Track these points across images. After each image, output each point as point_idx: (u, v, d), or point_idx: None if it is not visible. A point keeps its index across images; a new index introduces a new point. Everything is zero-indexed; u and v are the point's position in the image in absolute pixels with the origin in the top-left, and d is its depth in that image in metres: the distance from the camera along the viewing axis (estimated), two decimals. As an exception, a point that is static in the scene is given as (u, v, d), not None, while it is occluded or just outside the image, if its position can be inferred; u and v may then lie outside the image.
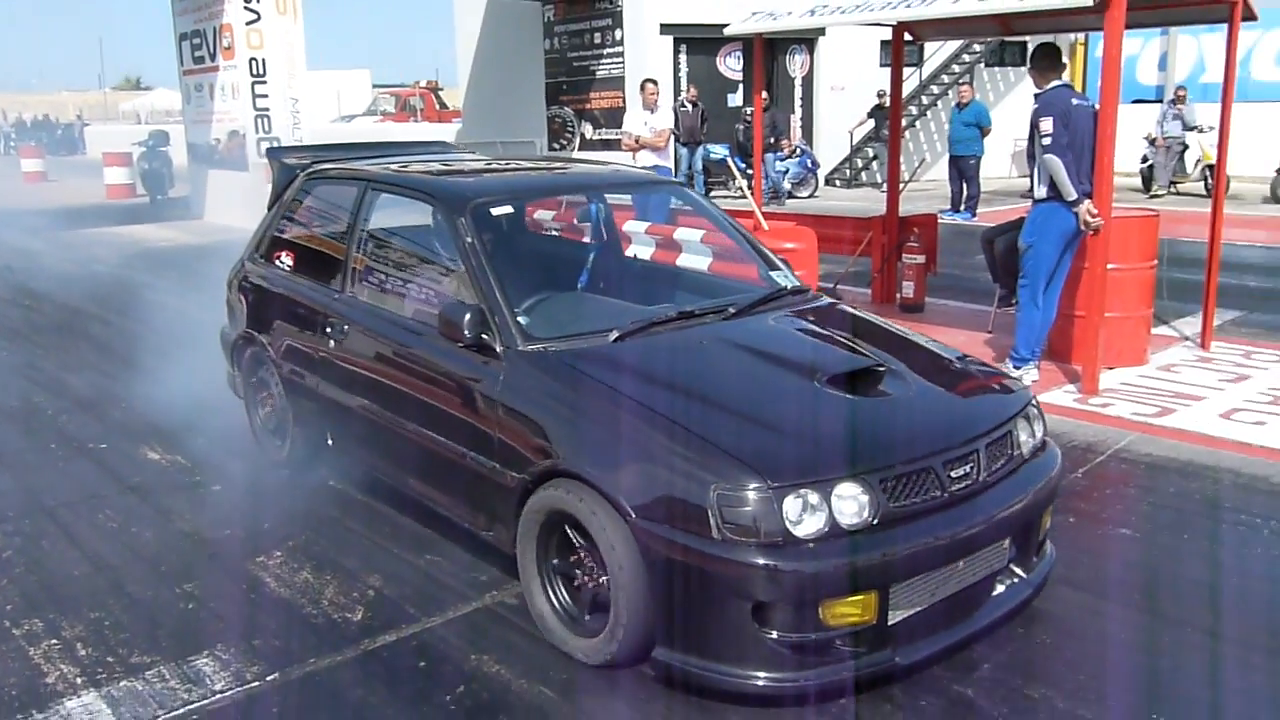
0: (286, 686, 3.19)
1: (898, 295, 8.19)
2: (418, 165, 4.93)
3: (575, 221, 5.30)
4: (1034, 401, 3.58)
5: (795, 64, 19.22)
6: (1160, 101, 17.51)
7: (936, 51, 19.03)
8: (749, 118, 15.39)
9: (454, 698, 3.10)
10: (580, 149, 18.77)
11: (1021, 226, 6.18)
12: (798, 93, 19.49)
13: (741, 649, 2.86)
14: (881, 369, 3.44)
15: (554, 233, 6.61)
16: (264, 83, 14.57)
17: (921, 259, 8.08)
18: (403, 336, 3.99)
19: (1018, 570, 3.33)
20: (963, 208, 14.54)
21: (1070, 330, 6.29)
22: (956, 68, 19.10)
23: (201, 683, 3.20)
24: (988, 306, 7.55)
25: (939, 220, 8.72)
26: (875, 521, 2.86)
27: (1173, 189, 16.02)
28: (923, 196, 15.83)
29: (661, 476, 2.95)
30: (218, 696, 3.13)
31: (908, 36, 8.48)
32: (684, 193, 5.39)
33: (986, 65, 19.94)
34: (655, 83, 10.36)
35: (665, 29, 17.66)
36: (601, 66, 18.36)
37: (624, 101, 18.02)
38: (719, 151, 16.47)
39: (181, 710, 3.06)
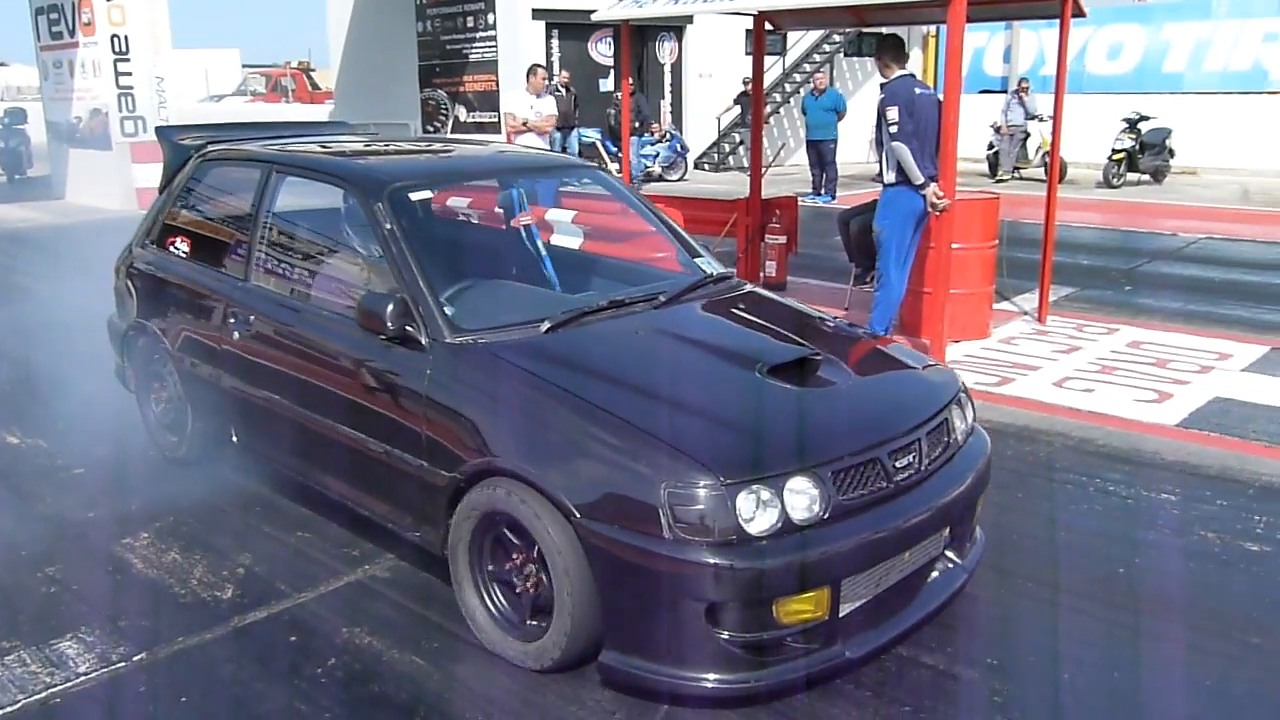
0: (154, 666, 3.20)
1: (761, 274, 8.47)
2: (320, 147, 4.70)
3: (496, 207, 5.05)
4: (964, 387, 3.59)
5: (665, 51, 19.46)
6: (1005, 91, 18.39)
7: (799, 41, 19.54)
8: (619, 102, 15.56)
9: (325, 670, 3.17)
10: (453, 132, 18.67)
11: (875, 209, 6.50)
12: (667, 79, 19.74)
13: (692, 651, 2.79)
14: (819, 357, 3.37)
15: (468, 219, 6.24)
16: (127, 60, 14.06)
17: (783, 239, 8.38)
18: (315, 328, 3.82)
19: (952, 556, 3.33)
20: (822, 190, 15.03)
21: (920, 306, 6.65)
22: (818, 57, 19.65)
23: (64, 665, 3.19)
24: (844, 284, 7.90)
25: (799, 202, 9.03)
26: (826, 515, 2.81)
27: (1016, 174, 16.88)
28: (786, 180, 16.28)
29: (607, 474, 2.86)
30: (82, 679, 3.12)
31: (769, 26, 8.75)
32: (600, 176, 5.04)
33: (845, 55, 20.56)
34: (544, 68, 10.37)
35: (537, 14, 17.66)
36: (474, 50, 18.26)
37: (497, 85, 17.98)
38: (591, 136, 16.59)
39: (43, 694, 3.05)
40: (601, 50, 18.91)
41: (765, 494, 2.76)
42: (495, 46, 17.72)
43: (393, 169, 4.16)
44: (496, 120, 18.05)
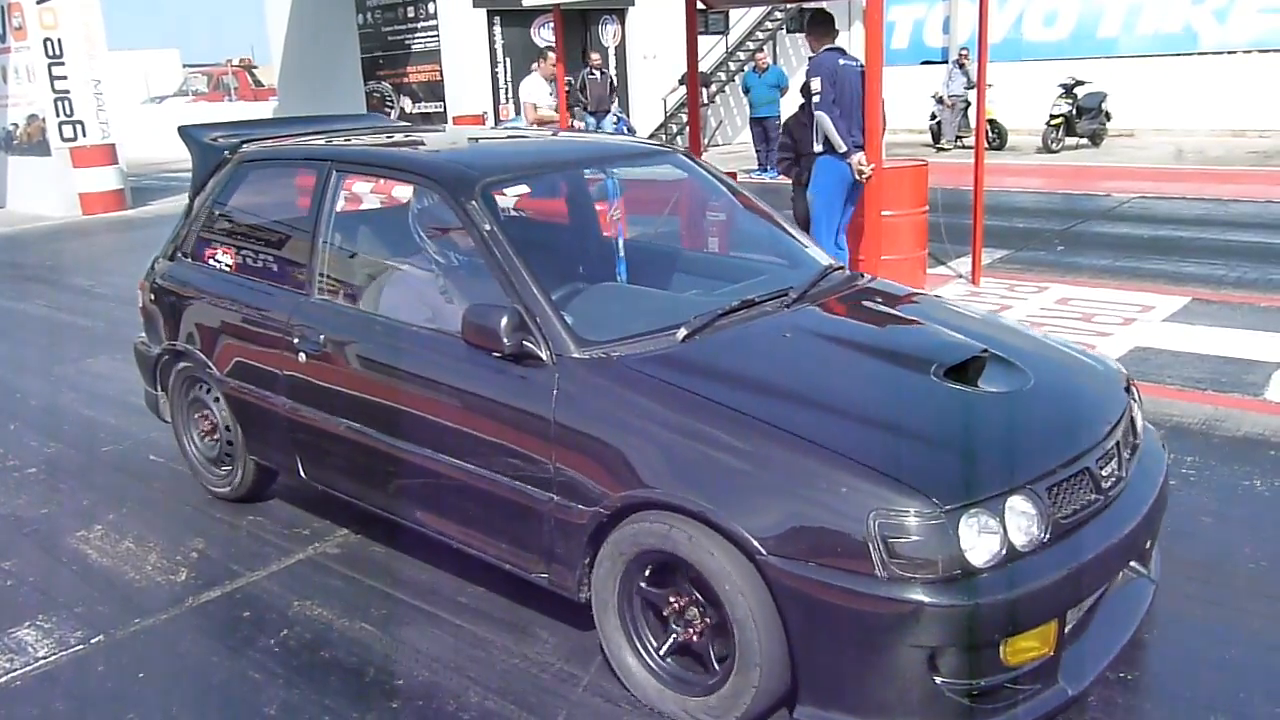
0: (112, 647, 3.31)
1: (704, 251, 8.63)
2: (377, 140, 4.30)
3: (572, 203, 4.36)
4: (1131, 377, 3.27)
5: (608, 34, 19.54)
6: (946, 62, 18.67)
7: (741, 19, 19.68)
8: (586, 82, 15.69)
9: (278, 640, 3.30)
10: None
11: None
12: (612, 61, 19.81)
13: (908, 701, 2.43)
14: (986, 355, 3.01)
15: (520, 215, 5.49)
16: (61, 64, 13.86)
17: (723, 216, 8.53)
18: (404, 346, 3.34)
19: (1139, 568, 2.92)
20: (768, 166, 15.23)
21: (854, 273, 6.83)
22: (760, 35, 19.81)
23: (23, 651, 3.29)
24: (786, 258, 8.07)
25: (737, 178, 9.18)
26: (1046, 538, 2.48)
27: (959, 143, 17.16)
28: (734, 158, 16.47)
29: (795, 504, 2.47)
30: (41, 662, 3.23)
31: (701, 5, 8.90)
32: (680, 159, 4.24)
33: (788, 31, 20.74)
34: (554, 51, 9.63)
35: (479, 1, 17.68)
36: (417, 41, 18.25)
37: (442, 75, 18.01)
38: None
39: (3, 679, 3.16)
40: (544, 35, 18.93)
41: (986, 518, 2.41)
42: (437, 36, 17.74)
43: (480, 162, 3.65)
44: (443, 110, 18.08)
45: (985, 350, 3.03)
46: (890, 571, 2.36)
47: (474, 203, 3.23)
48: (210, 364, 4.07)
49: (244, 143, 4.31)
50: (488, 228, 3.17)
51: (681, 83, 18.54)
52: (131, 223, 13.35)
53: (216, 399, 4.15)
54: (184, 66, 35.38)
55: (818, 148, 6.40)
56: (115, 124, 14.36)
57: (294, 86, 21.09)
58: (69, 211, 13.88)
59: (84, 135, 13.98)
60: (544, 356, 2.93)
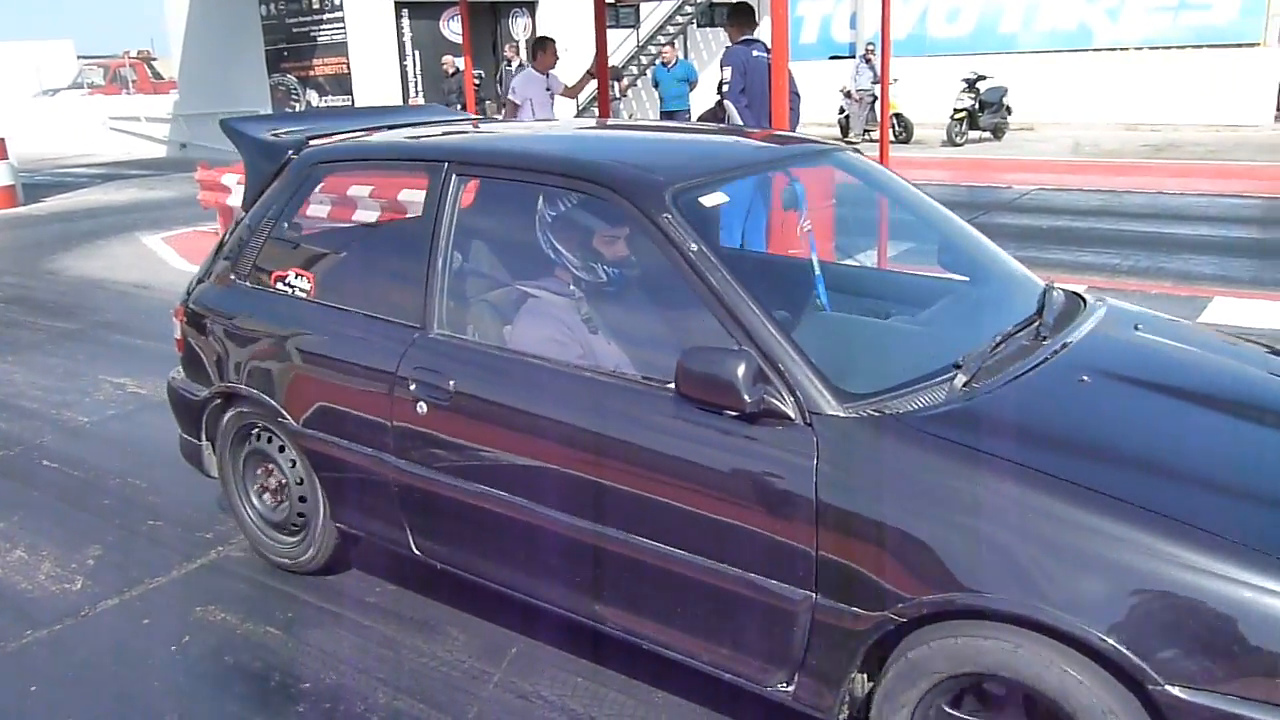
0: (3, 660, 3.19)
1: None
2: (492, 134, 3.69)
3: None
4: None
5: (519, 26, 19.43)
6: (853, 57, 18.99)
7: (652, 13, 19.75)
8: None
9: (179, 647, 3.21)
10: (305, 118, 18.29)
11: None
12: (524, 54, 19.71)
13: None
14: None
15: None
16: (-57, 57, 13.28)
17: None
18: (579, 397, 2.65)
19: None
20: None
21: (764, 266, 6.90)
22: (671, 28, 19.91)
23: (-93, 669, 3.16)
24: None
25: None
26: None
27: (866, 136, 17.47)
28: (648, 153, 16.52)
29: (1206, 619, 1.88)
30: (-74, 679, 3.10)
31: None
32: (847, 159, 3.45)
33: (699, 25, 20.89)
34: (554, 42, 8.96)
35: (385, -7, 17.44)
36: (323, 33, 17.93)
37: (349, 68, 17.69)
38: None
39: (-114, 697, 3.02)
40: (454, 28, 18.75)
41: None
42: (344, 29, 17.44)
43: (659, 162, 2.92)
44: (350, 104, 17.76)
45: None
46: None
47: (668, 215, 2.56)
48: (283, 411, 3.31)
49: (310, 139, 3.61)
50: (694, 247, 2.50)
51: (592, 75, 18.58)
52: (23, 220, 12.85)
53: (283, 449, 3.43)
54: (79, 58, 34.22)
55: (726, 140, 6.47)
56: (5, 118, 13.81)
57: (195, 79, 20.60)
58: (-41, 210, 13.32)
59: (-30, 130, 13.41)
60: (792, 415, 2.30)
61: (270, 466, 3.54)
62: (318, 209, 3.68)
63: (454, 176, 3.03)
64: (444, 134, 3.60)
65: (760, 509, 2.32)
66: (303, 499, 3.44)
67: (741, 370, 2.25)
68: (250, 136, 3.68)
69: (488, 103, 16.28)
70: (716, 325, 2.45)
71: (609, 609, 2.70)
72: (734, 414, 2.32)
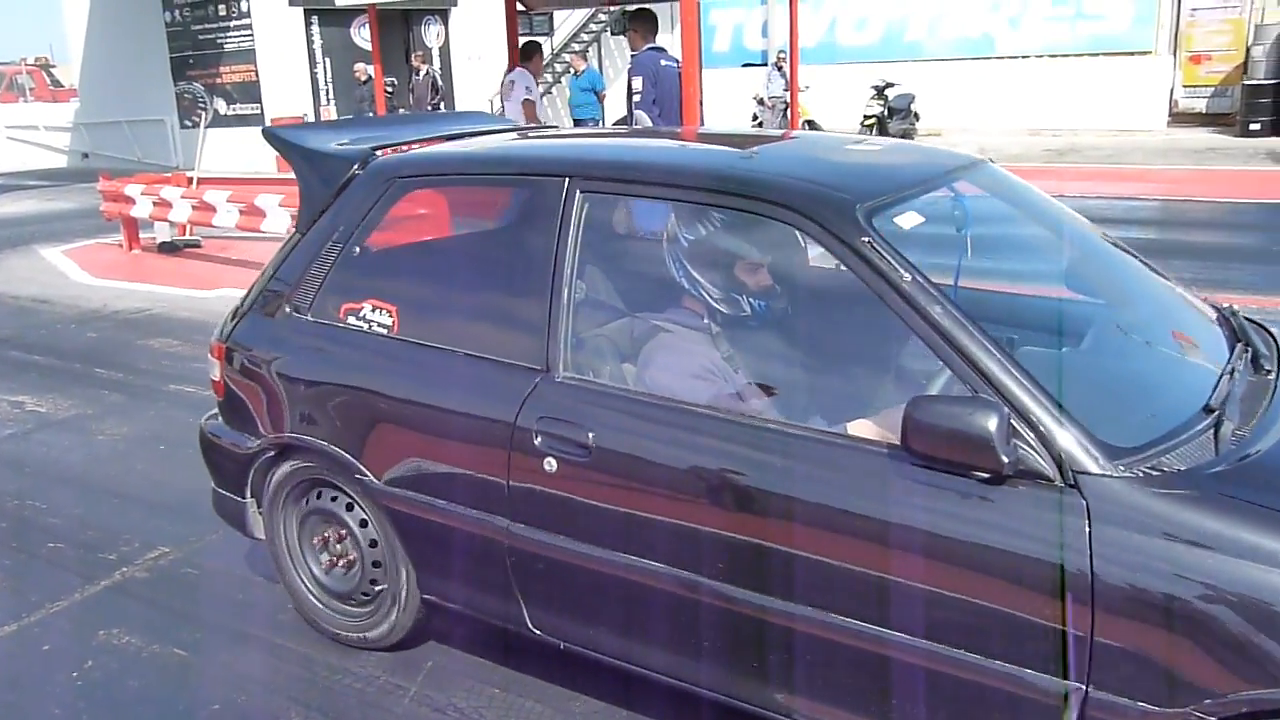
0: (-110, 694, 3.07)
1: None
2: (617, 144, 3.36)
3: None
4: None
5: (431, 34, 19.30)
6: (765, 65, 19.25)
7: (565, 20, 19.78)
8: (417, 83, 15.43)
9: (81, 673, 3.12)
10: (212, 126, 17.92)
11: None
12: (437, 62, 19.58)
13: None
14: None
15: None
16: None
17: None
18: (762, 453, 2.27)
19: None
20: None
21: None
22: (585, 36, 19.96)
23: None
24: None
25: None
26: None
27: (782, 143, 17.76)
28: (565, 160, 16.54)
29: None
30: None
31: (521, 7, 8.89)
32: (991, 170, 3.05)
33: (612, 34, 20.96)
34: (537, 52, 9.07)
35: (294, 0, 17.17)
36: (230, 40, 17.61)
37: (257, 75, 17.39)
38: None
39: None
40: (364, 35, 18.54)
41: None
42: (252, 35, 17.14)
43: (839, 177, 2.59)
44: (259, 112, 17.46)
45: None
46: None
47: (868, 238, 2.22)
48: (360, 467, 2.86)
49: (375, 149, 3.13)
50: (908, 277, 2.15)
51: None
52: (-88, 234, 12.34)
53: (351, 507, 3.00)
54: (-29, 65, 33.01)
55: (639, 148, 6.51)
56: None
57: (97, 87, 20.05)
58: None
59: None
60: (1051, 475, 1.97)
61: (340, 531, 3.07)
62: (397, 230, 3.21)
63: (578, 193, 2.60)
64: (560, 143, 3.27)
65: (1011, 586, 1.98)
66: (376, 564, 2.99)
67: (994, 424, 1.92)
68: (306, 148, 3.20)
69: (400, 109, 16.12)
70: (902, 365, 2.25)
71: (800, 700, 2.31)
72: (984, 475, 1.99)
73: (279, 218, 8.30)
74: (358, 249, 3.01)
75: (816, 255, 2.71)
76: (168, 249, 10.18)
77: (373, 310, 2.93)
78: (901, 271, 2.16)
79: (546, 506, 2.54)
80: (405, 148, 3.18)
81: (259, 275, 3.26)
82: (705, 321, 2.67)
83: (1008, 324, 2.77)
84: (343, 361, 2.96)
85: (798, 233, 2.45)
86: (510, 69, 8.51)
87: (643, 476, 2.40)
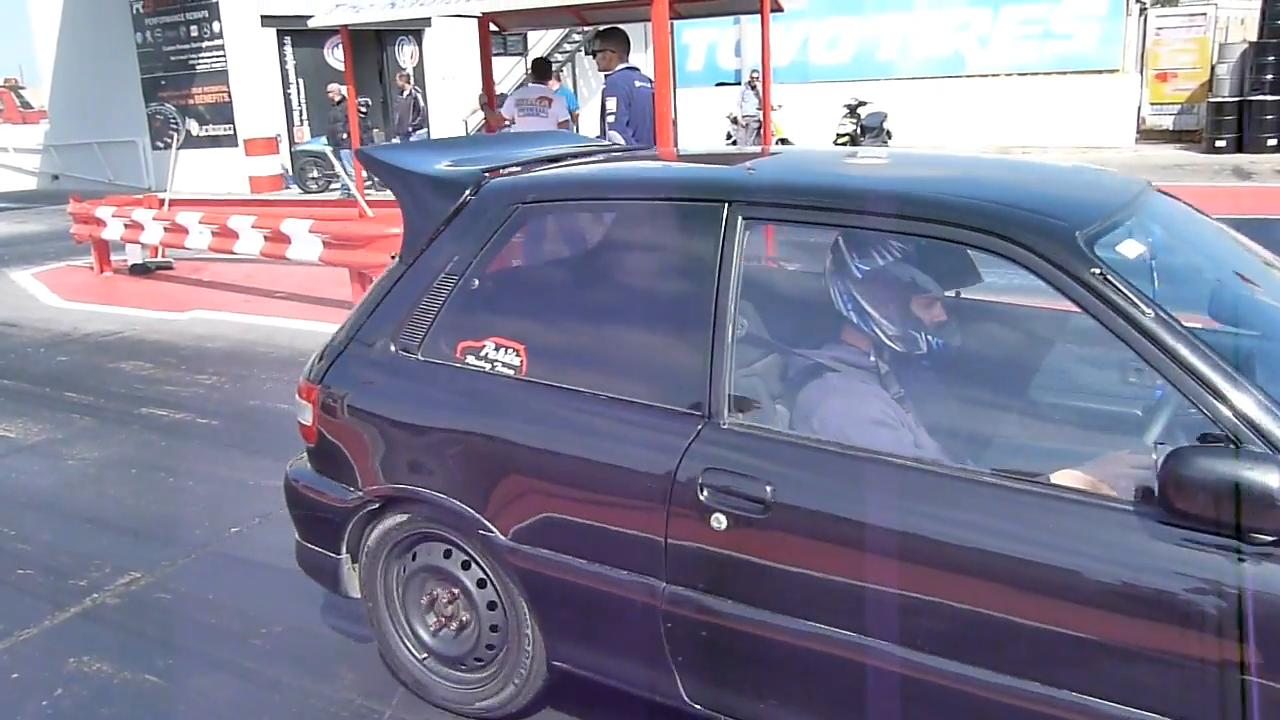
0: None
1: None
2: (774, 165, 3.11)
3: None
4: None
5: (405, 54, 19.31)
6: (739, 84, 19.39)
7: (540, 40, 19.86)
8: (399, 103, 15.39)
9: (51, 702, 3.07)
10: (185, 147, 17.87)
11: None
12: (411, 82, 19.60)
13: None
14: None
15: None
16: None
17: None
18: (979, 510, 2.03)
19: None
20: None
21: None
22: (559, 56, 20.03)
23: None
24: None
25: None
26: None
27: (754, 162, 17.89)
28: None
29: None
30: None
31: (494, 26, 8.92)
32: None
33: (587, 53, 21.06)
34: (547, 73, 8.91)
35: (267, 20, 17.15)
36: (202, 60, 17.56)
37: (230, 96, 17.34)
38: (319, 146, 16.23)
39: None
40: (338, 55, 18.54)
41: None
42: (224, 56, 17.11)
43: (1046, 203, 2.37)
44: (232, 133, 17.41)
45: None
46: None
47: (1097, 269, 2.01)
48: (485, 522, 2.59)
49: (486, 172, 2.85)
50: (1150, 313, 1.94)
51: (483, 105, 18.59)
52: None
53: (467, 565, 2.74)
54: (-61, 87, 32.76)
55: (613, 168, 6.53)
56: None
57: (67, 109, 19.95)
58: None
59: None
60: None
61: (449, 588, 2.81)
62: (518, 260, 2.99)
63: (739, 219, 2.35)
64: (710, 164, 3.05)
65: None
66: (495, 628, 2.74)
67: (1278, 480, 1.75)
68: (409, 170, 2.92)
69: (374, 130, 16.12)
70: (1094, 408, 2.16)
71: None
72: (1270, 538, 1.78)
73: (252, 239, 8.27)
74: (476, 281, 2.73)
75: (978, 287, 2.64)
76: (139, 271, 10.12)
77: (496, 349, 2.66)
78: (1143, 307, 1.95)
79: (712, 567, 2.28)
80: (515, 170, 2.91)
81: (354, 310, 2.98)
82: (871, 359, 2.46)
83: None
84: (462, 406, 2.68)
85: (973, 263, 2.29)
86: (534, 82, 8.54)
87: (831, 535, 2.15)
